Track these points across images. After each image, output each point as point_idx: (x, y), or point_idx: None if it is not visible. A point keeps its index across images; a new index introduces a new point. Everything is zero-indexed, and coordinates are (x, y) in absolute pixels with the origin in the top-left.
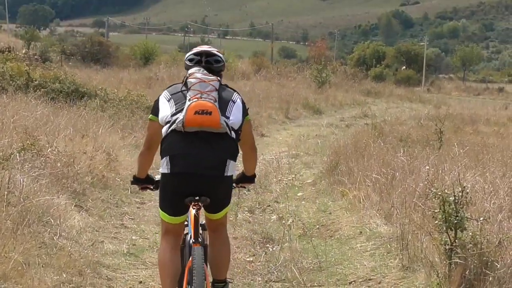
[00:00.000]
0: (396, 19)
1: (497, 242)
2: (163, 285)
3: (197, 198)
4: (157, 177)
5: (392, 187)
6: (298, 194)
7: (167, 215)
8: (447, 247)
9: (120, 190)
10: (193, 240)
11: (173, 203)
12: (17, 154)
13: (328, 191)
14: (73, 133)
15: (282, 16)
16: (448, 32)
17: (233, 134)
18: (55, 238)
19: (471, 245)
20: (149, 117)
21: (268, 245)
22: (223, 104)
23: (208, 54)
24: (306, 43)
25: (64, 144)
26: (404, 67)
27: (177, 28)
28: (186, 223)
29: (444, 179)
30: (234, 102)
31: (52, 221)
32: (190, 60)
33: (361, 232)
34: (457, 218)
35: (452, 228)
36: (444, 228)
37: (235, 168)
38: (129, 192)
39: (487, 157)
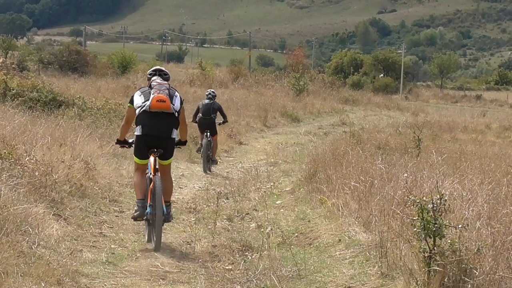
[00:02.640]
0: (373, 27)
1: (475, 250)
2: (137, 195)
3: (155, 150)
4: (130, 140)
5: (371, 195)
6: (277, 202)
7: (138, 159)
8: (426, 255)
9: (99, 199)
10: (152, 174)
11: (142, 152)
12: None
13: (307, 199)
14: (51, 142)
15: (260, 24)
16: (425, 40)
17: (176, 114)
18: (33, 247)
19: (449, 252)
20: (128, 105)
21: (247, 253)
22: (171, 97)
23: (160, 70)
24: (284, 51)
25: (42, 153)
26: (381, 75)
27: (154, 36)
28: (150, 164)
29: (422, 187)
30: (176, 96)
31: (30, 230)
32: (150, 74)
33: (340, 240)
34: (436, 225)
35: (431, 236)
36: (423, 235)
37: (176, 134)
38: (108, 201)
39: (465, 164)
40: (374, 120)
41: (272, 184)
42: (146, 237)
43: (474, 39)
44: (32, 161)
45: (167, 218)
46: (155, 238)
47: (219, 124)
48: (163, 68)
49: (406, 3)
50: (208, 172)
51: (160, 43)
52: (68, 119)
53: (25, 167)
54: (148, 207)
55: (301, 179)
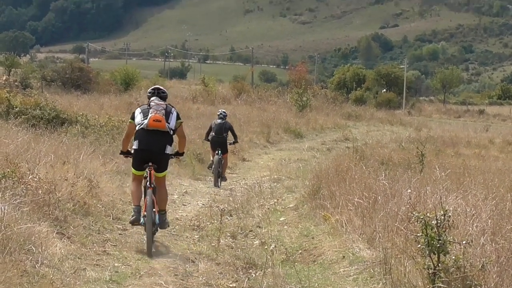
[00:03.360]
0: (375, 42)
1: (480, 266)
2: (133, 202)
3: (150, 164)
4: (132, 150)
5: (374, 211)
6: (281, 219)
7: (134, 170)
8: (430, 271)
9: (102, 217)
10: (148, 185)
11: (138, 164)
12: None
13: (311, 216)
14: (54, 160)
15: (262, 40)
16: (428, 55)
17: (171, 132)
18: (37, 266)
19: (454, 269)
20: (129, 120)
21: (250, 270)
22: (167, 115)
23: (159, 89)
24: (286, 67)
25: (45, 171)
26: (384, 90)
27: (157, 53)
28: (145, 175)
29: (426, 203)
30: (172, 114)
31: (34, 249)
32: (150, 93)
33: (344, 257)
34: (440, 241)
35: (435, 252)
36: (427, 252)
37: (171, 149)
38: (111, 219)
39: (468, 179)
40: (377, 135)
41: (275, 200)
42: (146, 245)
43: (476, 53)
44: (36, 179)
45: (162, 225)
46: (146, 245)
47: (230, 144)
48: (161, 87)
49: (408, 18)
50: (218, 186)
51: (162, 59)
52: (71, 137)
53: (28, 186)
54: (142, 218)
55: (305, 196)
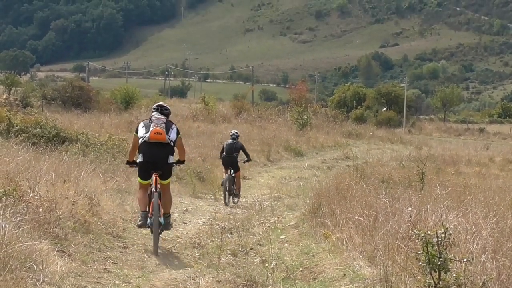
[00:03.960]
0: (375, 61)
1: (481, 283)
2: (140, 208)
3: (156, 172)
4: (138, 161)
5: (375, 229)
6: (281, 237)
7: (140, 179)
8: None
9: (103, 235)
10: (154, 190)
11: (143, 174)
12: None
13: (311, 234)
14: (54, 178)
15: (262, 59)
16: (428, 73)
17: (172, 143)
18: (38, 284)
19: (455, 286)
20: (134, 134)
21: None
22: (167, 129)
23: (162, 106)
24: (287, 86)
25: (46, 189)
26: (384, 109)
27: (157, 72)
28: (150, 183)
29: (426, 221)
30: (172, 129)
31: (35, 266)
32: (154, 108)
33: (344, 274)
34: (441, 259)
35: (436, 270)
36: (428, 269)
37: (173, 159)
38: (112, 237)
39: (469, 197)
40: (377, 154)
41: (276, 218)
42: (153, 245)
43: (476, 72)
44: (36, 197)
45: (166, 227)
46: (153, 245)
47: (244, 162)
48: (165, 104)
49: (409, 37)
50: (231, 204)
51: (163, 78)
52: (72, 155)
53: (29, 204)
54: (149, 218)
55: (305, 214)
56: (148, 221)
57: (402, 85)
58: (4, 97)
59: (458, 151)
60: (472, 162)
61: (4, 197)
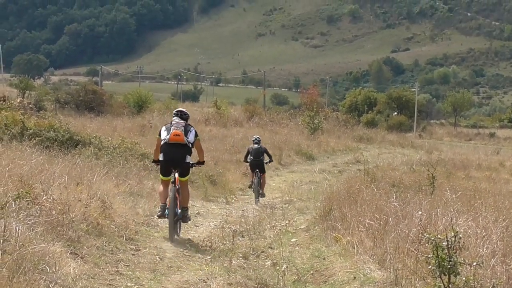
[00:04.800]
0: (387, 66)
1: (490, 287)
2: (160, 200)
3: (175, 168)
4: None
5: (385, 233)
6: (292, 240)
7: (161, 175)
8: None
9: (115, 237)
10: (173, 185)
11: (164, 171)
12: (13, 202)
13: (322, 237)
14: (67, 181)
15: (274, 63)
16: (439, 78)
17: (190, 145)
18: (51, 286)
19: None
20: (157, 136)
21: None
22: (186, 132)
23: (181, 111)
24: (298, 90)
25: (59, 192)
26: (395, 113)
27: (170, 76)
28: (171, 179)
29: (437, 224)
30: (190, 131)
31: (48, 268)
32: (174, 114)
33: (355, 278)
34: (451, 263)
35: (446, 273)
36: (438, 273)
37: (190, 158)
38: (124, 239)
39: (479, 202)
40: (388, 158)
41: (287, 222)
42: (168, 234)
43: (487, 77)
44: (49, 200)
45: (184, 219)
46: (169, 233)
47: (266, 163)
48: (184, 109)
49: (419, 42)
50: (258, 203)
51: (175, 82)
52: (85, 158)
53: (42, 206)
54: (166, 209)
55: (316, 217)
56: (166, 212)
57: (413, 89)
58: (18, 100)
59: (468, 155)
60: (482, 166)
61: (18, 199)
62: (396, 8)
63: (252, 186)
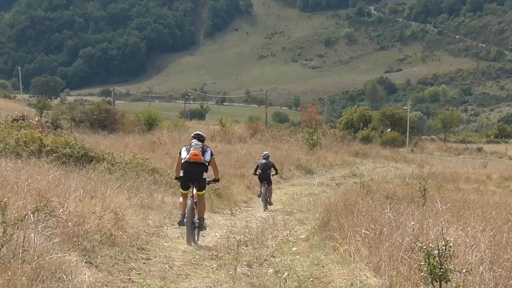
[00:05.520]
0: (381, 85)
1: None
2: (180, 209)
3: (193, 183)
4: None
5: (380, 242)
6: (293, 249)
7: (181, 189)
8: None
9: (127, 247)
10: (191, 197)
11: (183, 186)
12: (31, 214)
13: (321, 246)
14: (83, 195)
15: (275, 83)
16: (429, 97)
17: (206, 163)
18: None
19: None
20: (178, 155)
21: None
22: (203, 152)
23: (199, 134)
24: (298, 108)
25: (75, 205)
26: (389, 130)
27: (178, 95)
28: (190, 194)
29: (428, 234)
30: (207, 151)
31: (64, 276)
32: (193, 136)
33: (352, 284)
34: (442, 270)
35: (437, 280)
36: (430, 279)
37: (206, 175)
38: (136, 249)
39: (468, 212)
40: (382, 171)
41: (288, 232)
42: (186, 239)
43: (474, 95)
44: (66, 212)
45: (200, 228)
46: (186, 239)
47: (273, 175)
48: (201, 133)
49: (411, 63)
50: (266, 210)
51: (183, 101)
52: (99, 173)
53: (59, 218)
54: (185, 218)
55: (315, 227)
56: (185, 220)
57: (405, 107)
58: (36, 119)
59: (457, 169)
60: (470, 179)
61: (36, 212)
62: (389, 31)
63: (261, 196)
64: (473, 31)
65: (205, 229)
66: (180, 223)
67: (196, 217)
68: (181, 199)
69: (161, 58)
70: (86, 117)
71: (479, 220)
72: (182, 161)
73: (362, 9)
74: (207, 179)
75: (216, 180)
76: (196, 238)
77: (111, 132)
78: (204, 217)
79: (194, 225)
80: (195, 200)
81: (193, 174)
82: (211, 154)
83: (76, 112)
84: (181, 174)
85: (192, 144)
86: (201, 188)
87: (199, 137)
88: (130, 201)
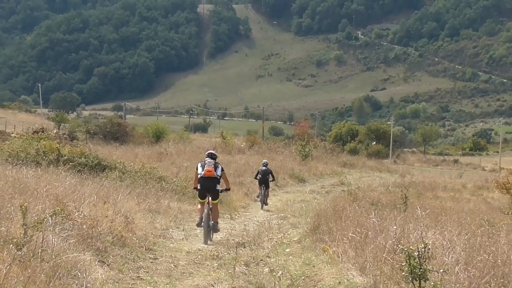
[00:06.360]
0: (367, 103)
1: None
2: (198, 214)
3: (209, 194)
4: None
5: (366, 244)
6: (286, 250)
7: (199, 198)
8: None
9: (136, 248)
10: (207, 205)
11: (201, 196)
12: (49, 218)
13: (312, 248)
14: (96, 200)
15: (271, 100)
16: (411, 113)
17: (218, 177)
18: None
19: None
20: (195, 170)
21: None
22: (215, 168)
23: (211, 153)
24: (292, 123)
25: (89, 209)
26: (374, 143)
27: (183, 111)
28: (206, 202)
29: (409, 237)
30: (218, 167)
31: (79, 274)
32: (207, 155)
33: (340, 282)
34: (421, 270)
35: (417, 279)
36: (410, 278)
37: (219, 186)
38: (144, 249)
39: (445, 218)
40: (368, 180)
41: (282, 235)
42: (203, 239)
43: (451, 112)
44: (81, 216)
45: (215, 230)
46: (203, 238)
47: (271, 181)
48: (214, 152)
49: (394, 82)
50: (263, 209)
51: (188, 116)
52: (111, 181)
53: (74, 221)
54: (202, 222)
55: (307, 231)
56: (202, 223)
57: (389, 123)
58: (55, 131)
59: (436, 178)
60: (447, 188)
61: (54, 215)
62: (375, 54)
63: (259, 197)
64: (451, 54)
65: (219, 231)
66: (198, 225)
67: (212, 221)
68: (199, 206)
69: (168, 77)
70: (99, 130)
71: (455, 225)
72: (199, 176)
73: (350, 34)
74: (220, 189)
75: (227, 189)
76: (211, 237)
77: (122, 143)
78: (218, 221)
79: (210, 227)
80: (210, 207)
81: (208, 187)
82: (222, 170)
83: (91, 125)
84: (198, 187)
85: (206, 162)
86: (215, 197)
87: (212, 156)
88: (139, 206)
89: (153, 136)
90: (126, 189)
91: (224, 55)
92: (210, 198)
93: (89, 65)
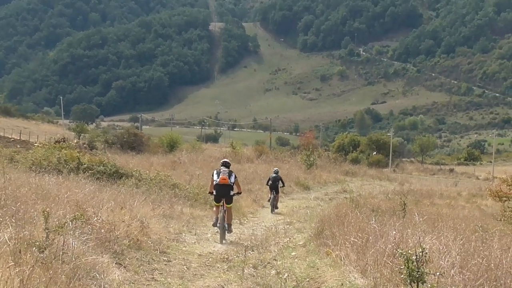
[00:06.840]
0: (368, 115)
1: None
2: (214, 215)
3: (223, 198)
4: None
5: (367, 248)
6: (292, 254)
7: (214, 202)
8: None
9: (151, 251)
10: (222, 209)
11: (217, 199)
12: (70, 222)
13: (316, 251)
14: (114, 206)
15: (278, 112)
16: (409, 125)
17: (232, 184)
18: None
19: None
20: (211, 177)
21: None
22: (229, 176)
23: (226, 162)
24: (297, 134)
25: (107, 214)
26: (374, 153)
27: (195, 122)
28: (221, 205)
29: (407, 242)
30: (232, 175)
31: (98, 275)
32: (221, 164)
33: (342, 284)
34: (419, 273)
35: (415, 281)
36: (409, 281)
37: (233, 192)
38: (158, 252)
39: (441, 224)
40: (369, 188)
41: (288, 239)
42: (219, 239)
43: (447, 124)
44: (99, 221)
45: (229, 230)
46: (219, 238)
47: (280, 187)
48: (228, 160)
49: (394, 96)
50: (273, 212)
51: (200, 127)
52: (127, 188)
53: (93, 226)
54: (218, 223)
55: (311, 235)
56: (218, 224)
57: (388, 134)
58: (75, 141)
59: (432, 187)
60: (443, 195)
61: (74, 220)
62: (375, 69)
63: (270, 201)
64: (447, 70)
65: (232, 232)
66: (214, 225)
67: (226, 223)
68: (214, 208)
69: (182, 90)
70: (117, 140)
71: (450, 230)
72: (214, 182)
73: (353, 50)
74: (232, 193)
75: (239, 193)
76: (226, 237)
77: (139, 152)
78: (232, 223)
79: (224, 228)
80: (224, 209)
81: (222, 193)
82: (235, 177)
83: (109, 136)
84: (214, 193)
85: (221, 170)
86: (229, 202)
87: (226, 164)
88: (154, 212)
89: (167, 145)
90: (142, 196)
91: (234, 70)
92: (224, 202)
93: (108, 79)
